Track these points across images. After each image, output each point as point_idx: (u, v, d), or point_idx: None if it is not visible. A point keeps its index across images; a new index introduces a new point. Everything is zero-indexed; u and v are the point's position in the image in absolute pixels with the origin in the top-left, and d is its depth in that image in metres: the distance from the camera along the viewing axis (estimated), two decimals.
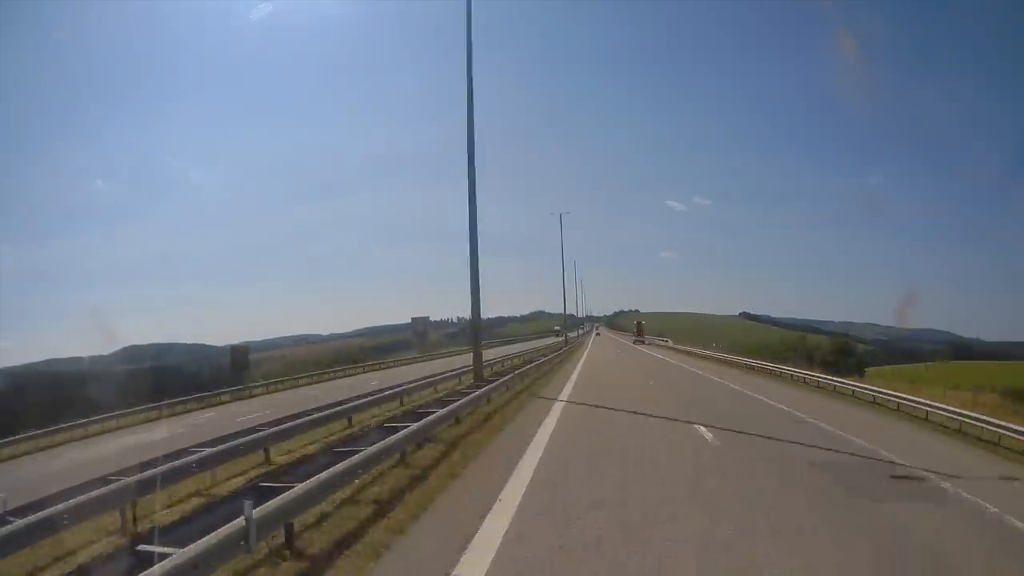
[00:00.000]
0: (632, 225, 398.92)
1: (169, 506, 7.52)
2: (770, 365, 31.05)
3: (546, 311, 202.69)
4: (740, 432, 11.50)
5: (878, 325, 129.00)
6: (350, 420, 14.03)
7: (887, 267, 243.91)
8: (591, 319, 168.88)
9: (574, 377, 25.20)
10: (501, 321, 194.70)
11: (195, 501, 7.83)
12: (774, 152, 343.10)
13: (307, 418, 12.53)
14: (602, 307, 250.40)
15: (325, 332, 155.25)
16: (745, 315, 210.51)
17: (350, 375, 33.98)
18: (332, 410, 13.77)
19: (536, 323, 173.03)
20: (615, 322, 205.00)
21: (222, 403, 27.74)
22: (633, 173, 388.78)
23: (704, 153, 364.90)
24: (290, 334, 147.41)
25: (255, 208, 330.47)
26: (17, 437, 20.31)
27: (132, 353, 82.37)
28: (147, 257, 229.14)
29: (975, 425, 12.99)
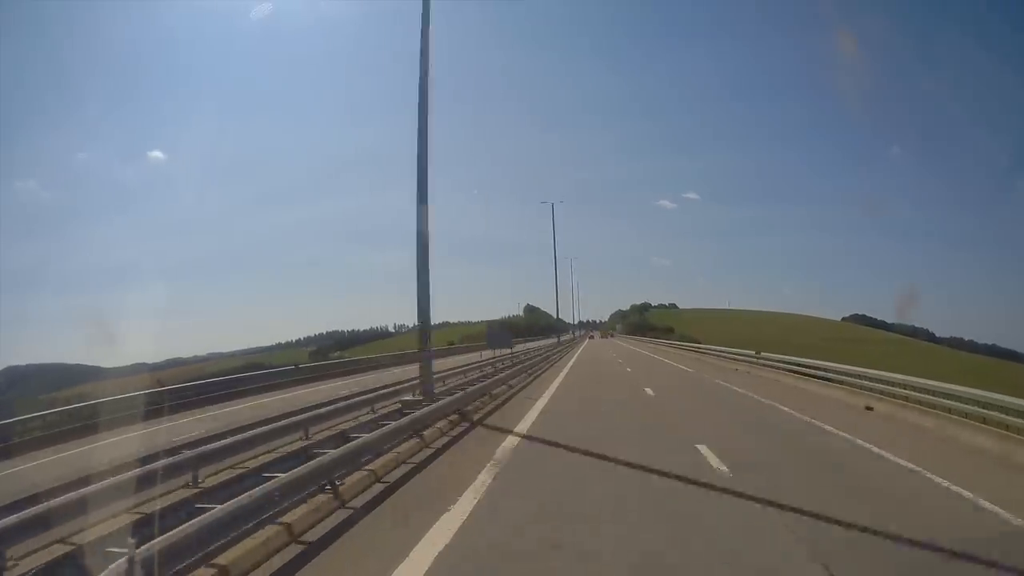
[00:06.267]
0: (628, 225, 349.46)
1: None
2: None
3: (519, 316, 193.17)
4: None
5: None
6: None
7: (889, 270, 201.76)
8: (583, 325, 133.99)
9: None
10: (435, 327, 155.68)
11: None
12: (770, 147, 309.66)
13: None
14: (602, 312, 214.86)
15: (294, 339, 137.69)
16: (859, 318, 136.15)
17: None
18: None
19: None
20: (636, 321, 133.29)
21: None
22: (630, 171, 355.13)
23: (702, 147, 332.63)
24: (258, 346, 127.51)
25: (227, 212, 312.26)
26: None
27: (10, 375, 72.35)
28: (98, 264, 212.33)
29: None
